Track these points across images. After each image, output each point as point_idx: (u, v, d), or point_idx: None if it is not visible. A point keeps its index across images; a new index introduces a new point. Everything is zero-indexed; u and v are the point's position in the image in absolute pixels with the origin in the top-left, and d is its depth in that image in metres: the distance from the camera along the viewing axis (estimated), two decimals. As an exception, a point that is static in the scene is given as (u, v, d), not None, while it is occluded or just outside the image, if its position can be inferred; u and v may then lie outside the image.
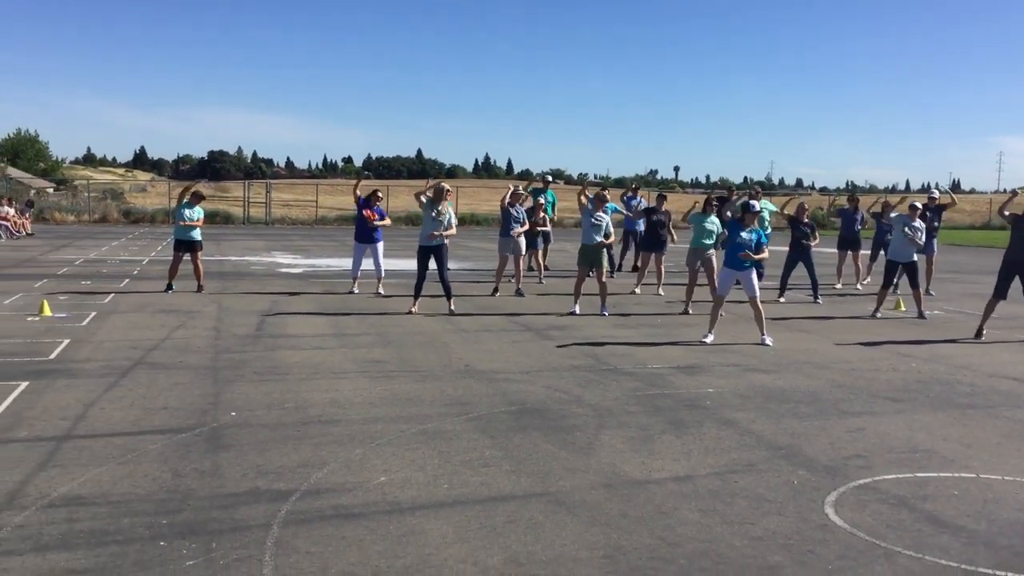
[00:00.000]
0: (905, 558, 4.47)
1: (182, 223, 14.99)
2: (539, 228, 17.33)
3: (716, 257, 13.44)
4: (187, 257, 15.09)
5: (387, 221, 15.80)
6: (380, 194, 15.73)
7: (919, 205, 13.93)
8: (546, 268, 18.55)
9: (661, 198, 16.66)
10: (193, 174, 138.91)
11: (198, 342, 10.22)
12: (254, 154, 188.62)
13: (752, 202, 11.55)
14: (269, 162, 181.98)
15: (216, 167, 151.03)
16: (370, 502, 5.09)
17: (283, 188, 63.43)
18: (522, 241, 15.75)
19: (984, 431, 6.99)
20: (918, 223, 13.47)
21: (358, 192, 15.49)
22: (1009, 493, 5.52)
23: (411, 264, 14.17)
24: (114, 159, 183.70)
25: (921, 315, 13.48)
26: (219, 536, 4.55)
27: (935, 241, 16.62)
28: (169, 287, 15.03)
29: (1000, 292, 11.59)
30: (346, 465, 5.77)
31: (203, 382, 8.13)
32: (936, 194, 17.74)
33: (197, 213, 15.19)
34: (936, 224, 16.69)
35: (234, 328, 11.29)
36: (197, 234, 15.09)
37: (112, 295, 14.48)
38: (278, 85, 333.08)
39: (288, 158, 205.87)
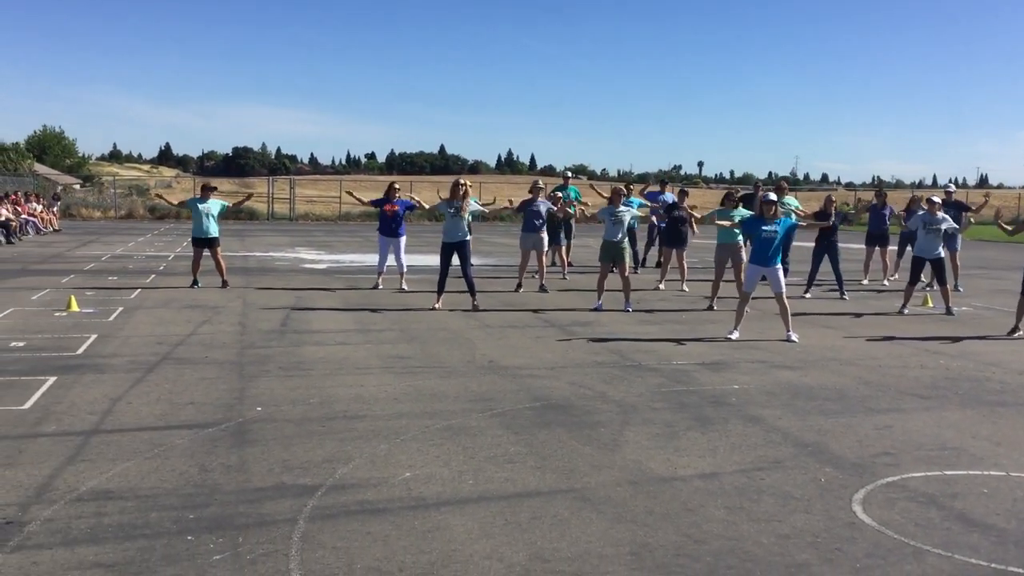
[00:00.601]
0: (934, 557, 4.42)
1: (204, 219, 14.94)
2: (566, 213, 17.22)
3: (744, 252, 13.35)
4: (207, 253, 15.14)
5: (416, 202, 15.67)
6: (397, 186, 15.78)
7: (937, 200, 13.80)
8: (570, 264, 18.52)
9: (683, 194, 16.60)
10: (218, 170, 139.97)
11: (223, 337, 10.28)
12: (278, 150, 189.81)
13: (768, 194, 11.45)
14: (293, 158, 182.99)
15: (240, 163, 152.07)
16: (395, 498, 5.10)
17: (307, 184, 63.79)
18: (544, 237, 15.73)
19: (1014, 429, 6.91)
20: (940, 215, 13.33)
21: (364, 200, 15.60)
22: (1040, 492, 5.44)
23: (434, 260, 14.20)
24: (139, 155, 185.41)
25: (949, 311, 13.34)
26: (246, 531, 4.57)
27: (959, 238, 16.43)
28: (195, 283, 15.12)
29: (1029, 290, 11.45)
30: (371, 460, 5.78)
31: (229, 377, 8.18)
32: (952, 188, 17.67)
33: (215, 206, 15.14)
34: (957, 218, 16.49)
35: (259, 323, 11.35)
36: (214, 230, 15.05)
37: (138, 291, 14.60)
38: (302, 80, 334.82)
39: (312, 154, 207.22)
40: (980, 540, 4.65)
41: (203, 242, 15.08)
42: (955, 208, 16.70)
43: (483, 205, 13.13)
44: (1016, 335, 11.38)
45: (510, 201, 15.69)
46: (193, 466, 5.60)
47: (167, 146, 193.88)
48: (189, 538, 4.46)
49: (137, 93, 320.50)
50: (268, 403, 7.22)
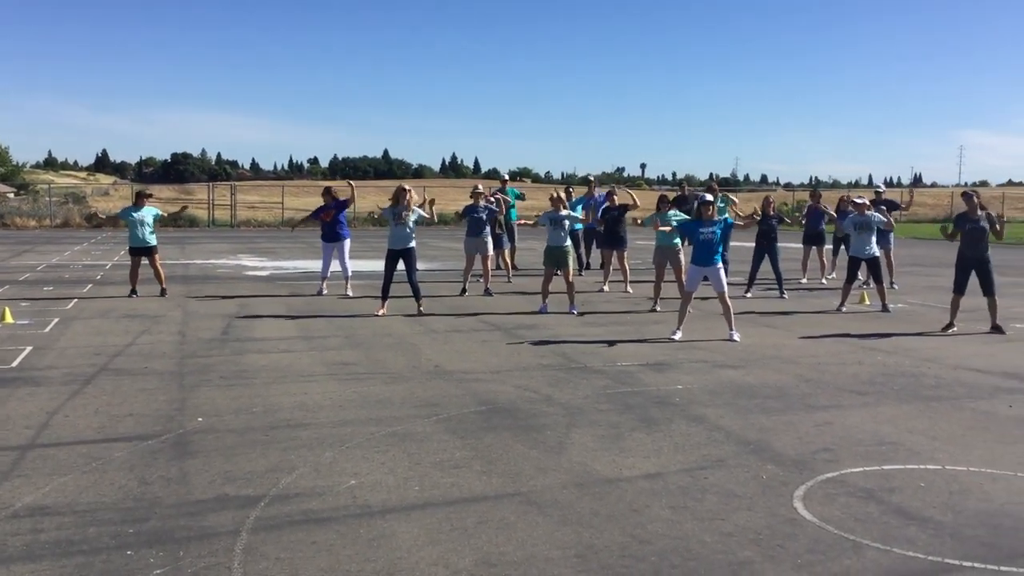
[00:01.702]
0: (873, 551, 4.51)
1: (139, 228, 14.66)
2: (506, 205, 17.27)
3: (683, 254, 13.51)
4: (146, 261, 14.86)
5: (348, 193, 15.29)
6: (331, 186, 15.75)
7: (860, 200, 14.14)
8: (514, 267, 18.56)
9: (609, 195, 16.69)
10: (157, 177, 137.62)
11: (163, 347, 10.10)
12: (218, 156, 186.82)
13: (704, 195, 11.60)
14: (234, 164, 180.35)
15: (180, 169, 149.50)
16: (340, 506, 5.06)
17: (248, 190, 62.98)
18: (489, 241, 15.75)
19: (949, 423, 7.08)
20: (868, 214, 13.69)
21: (305, 221, 15.58)
22: (974, 484, 5.59)
23: (379, 265, 14.13)
24: (75, 162, 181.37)
25: (885, 309, 13.65)
26: (187, 544, 4.50)
27: (891, 235, 16.80)
28: (133, 292, 14.83)
29: (959, 288, 11.78)
30: (315, 469, 5.72)
31: (169, 388, 8.04)
32: (882, 188, 18.19)
33: (148, 214, 14.84)
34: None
35: (200, 332, 11.18)
36: (151, 238, 14.78)
37: (75, 301, 14.28)
38: (242, 86, 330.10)
39: (253, 159, 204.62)
40: (917, 533, 4.76)
41: (140, 251, 14.81)
42: (887, 207, 17.07)
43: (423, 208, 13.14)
44: (950, 331, 11.67)
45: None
46: (132, 479, 5.49)
47: (104, 153, 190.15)
48: (128, 553, 4.38)
49: (73, 99, 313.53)
50: (209, 413, 7.12)
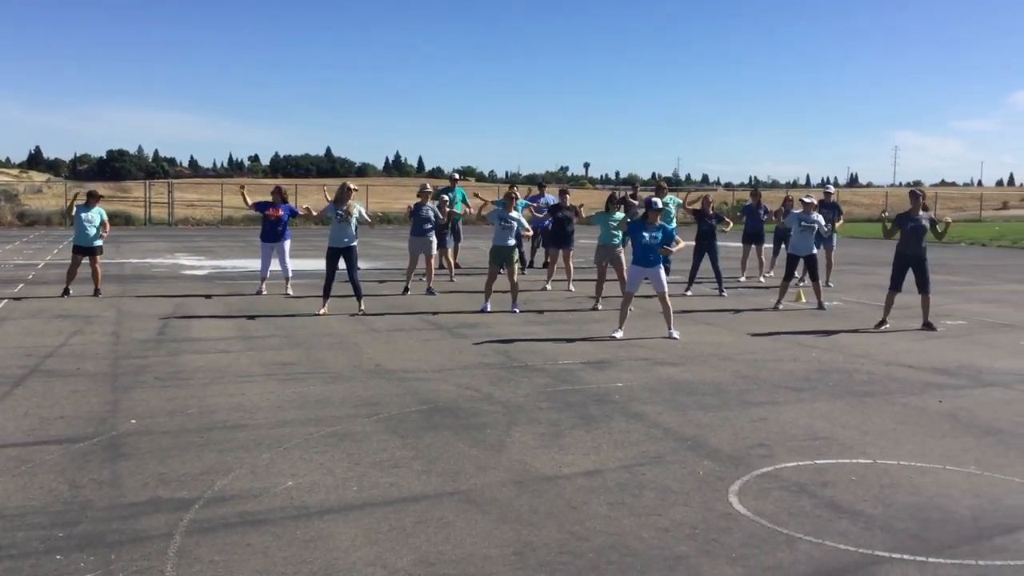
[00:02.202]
0: (806, 544, 4.60)
1: (87, 227, 14.35)
2: (452, 215, 17.30)
3: (623, 253, 13.62)
4: (86, 260, 14.57)
5: (306, 210, 15.12)
6: (284, 189, 15.49)
7: (809, 200, 14.42)
8: (457, 266, 18.53)
9: (563, 194, 16.82)
10: (92, 174, 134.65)
11: (96, 348, 9.89)
12: (155, 153, 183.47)
13: (654, 199, 11.73)
14: (172, 161, 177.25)
15: (116, 166, 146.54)
16: (276, 508, 5.00)
17: (186, 188, 62.00)
18: (433, 240, 15.70)
19: (881, 418, 7.24)
20: (815, 216, 13.96)
21: (249, 201, 15.23)
22: (904, 477, 5.72)
23: (320, 264, 13.99)
24: (7, 159, 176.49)
25: (821, 306, 13.91)
26: (118, 548, 4.41)
27: (834, 235, 17.17)
28: (66, 292, 14.50)
29: (896, 285, 12.05)
30: (252, 471, 5.65)
31: (102, 389, 7.88)
32: (832, 190, 18.52)
33: (97, 215, 14.58)
34: (833, 219, 17.19)
35: (134, 333, 10.96)
36: (97, 239, 14.54)
37: (5, 301, 13.91)
38: (182, 82, 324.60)
39: (192, 156, 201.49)
40: (849, 526, 4.86)
41: (85, 250, 14.51)
42: (833, 210, 17.41)
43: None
44: (883, 328, 11.94)
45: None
46: (63, 483, 5.37)
47: (37, 149, 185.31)
48: (58, 557, 4.28)
49: (5, 96, 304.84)
50: (143, 415, 6.98)
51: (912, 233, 11.89)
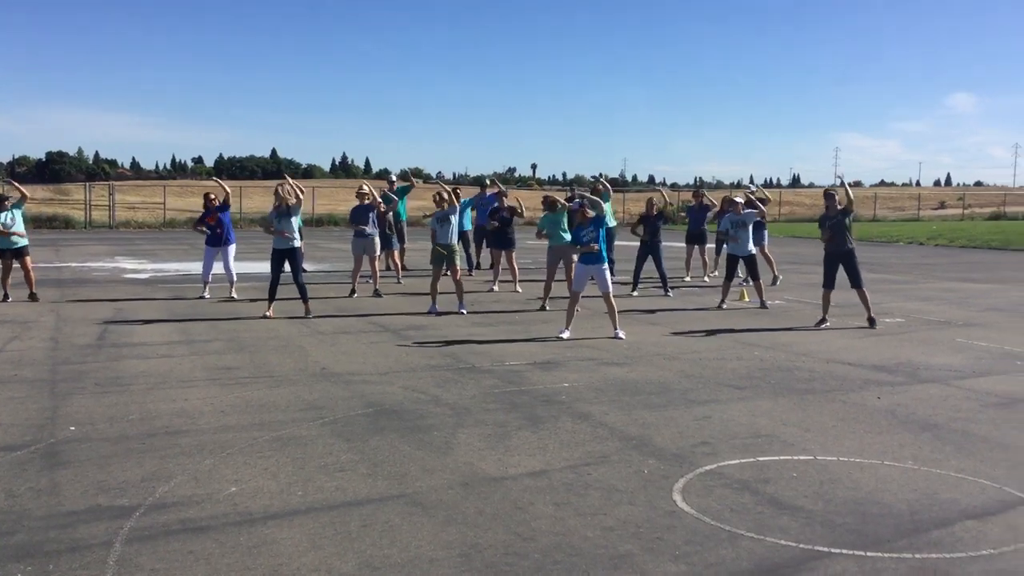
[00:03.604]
0: (747, 540, 4.67)
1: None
2: (388, 212, 17.26)
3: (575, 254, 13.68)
4: (17, 264, 14.20)
5: (222, 193, 14.88)
6: (212, 196, 15.12)
7: (739, 200, 14.73)
8: (404, 268, 18.46)
9: (500, 196, 16.87)
10: (31, 176, 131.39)
11: (34, 354, 9.67)
12: (96, 155, 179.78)
13: (578, 200, 11.83)
14: (113, 163, 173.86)
15: (55, 168, 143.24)
16: (219, 514, 4.94)
17: (128, 190, 60.88)
18: (377, 242, 15.63)
19: (821, 415, 7.38)
20: (744, 212, 14.21)
21: (201, 228, 14.98)
22: (844, 473, 5.83)
23: (265, 267, 13.85)
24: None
25: (763, 305, 14.13)
26: (56, 557, 4.32)
27: (765, 232, 17.42)
28: (5, 296, 14.14)
29: (828, 282, 12.31)
30: (194, 477, 5.58)
31: (40, 396, 7.71)
32: (753, 188, 18.94)
33: (4, 217, 14.14)
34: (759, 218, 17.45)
35: (74, 338, 10.74)
36: (20, 239, 14.18)
37: (-62, 306, 13.53)
38: (123, 82, 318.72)
39: (134, 158, 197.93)
40: (789, 522, 4.94)
41: (10, 253, 14.15)
42: (756, 204, 17.69)
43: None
44: (823, 326, 12.16)
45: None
46: (-2, 493, 5.25)
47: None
48: (-8, 570, 4.18)
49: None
50: (83, 422, 6.85)
51: (832, 231, 12.19)
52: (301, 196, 12.91)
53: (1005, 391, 8.32)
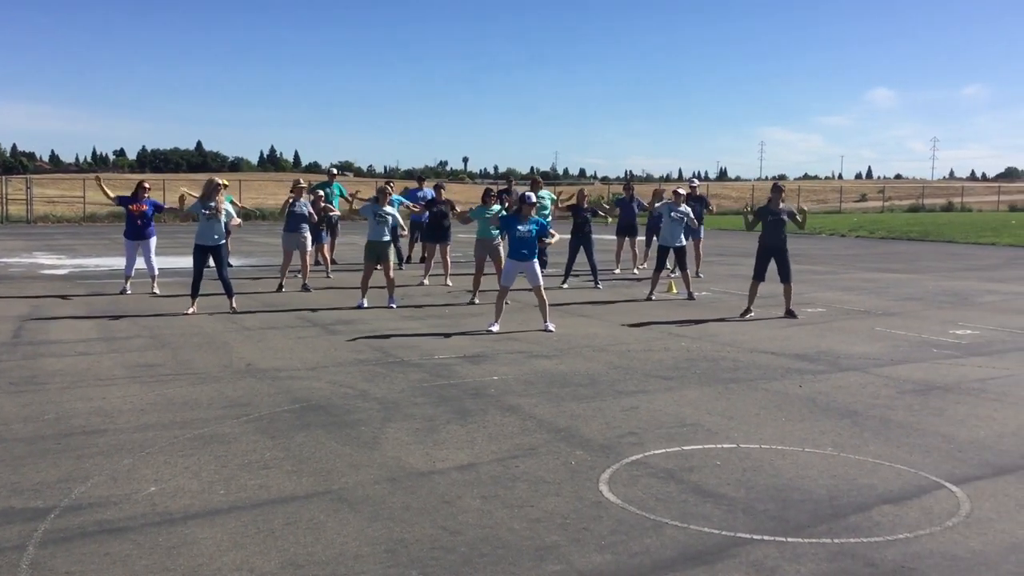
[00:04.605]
0: (672, 528, 4.72)
1: None
2: (330, 214, 17.13)
3: (502, 247, 13.68)
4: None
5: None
6: (147, 186, 14.84)
7: (683, 192, 14.91)
8: (334, 262, 18.27)
9: (438, 189, 16.86)
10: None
11: (-56, 353, 9.33)
12: (13, 147, 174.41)
13: (528, 194, 11.83)
14: (31, 155, 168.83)
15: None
16: (138, 514, 4.82)
17: (47, 183, 59.12)
18: (308, 236, 15.43)
19: (744, 403, 7.50)
20: (684, 207, 14.37)
21: (111, 194, 14.58)
22: (766, 460, 5.94)
23: (188, 262, 13.55)
24: None
25: (691, 296, 14.32)
26: (-36, 564, 4.17)
27: (701, 228, 17.72)
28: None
29: (759, 275, 12.52)
30: (112, 477, 5.43)
31: (-51, 397, 7.43)
32: (696, 183, 19.20)
33: None
34: (700, 211, 17.73)
35: (-13, 336, 10.38)
36: None
37: None
38: (40, 73, 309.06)
39: (53, 151, 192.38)
40: (712, 510, 5.02)
41: None
42: (698, 202, 17.96)
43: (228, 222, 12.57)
44: (748, 316, 12.38)
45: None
46: (-98, 498, 5.04)
47: None
48: None
49: None
50: (-5, 423, 6.62)
51: (772, 226, 12.37)
52: (238, 224, 12.85)
53: (921, 378, 8.57)
